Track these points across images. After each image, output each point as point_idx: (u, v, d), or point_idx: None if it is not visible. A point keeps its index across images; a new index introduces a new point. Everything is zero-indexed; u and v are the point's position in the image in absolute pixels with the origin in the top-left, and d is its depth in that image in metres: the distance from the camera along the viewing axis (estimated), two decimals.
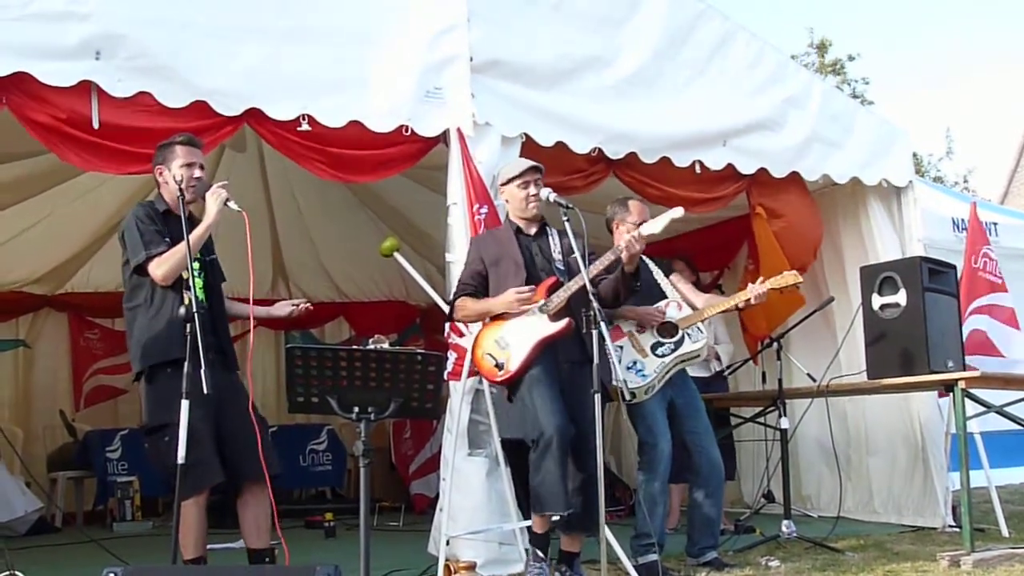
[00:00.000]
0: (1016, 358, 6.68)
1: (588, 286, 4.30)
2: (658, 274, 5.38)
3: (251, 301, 4.24)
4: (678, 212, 4.66)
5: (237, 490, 4.29)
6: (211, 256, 4.42)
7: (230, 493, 4.35)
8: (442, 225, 5.44)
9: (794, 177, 6.54)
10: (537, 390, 4.51)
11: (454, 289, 4.90)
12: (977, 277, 6.73)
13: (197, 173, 4.24)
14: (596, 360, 4.19)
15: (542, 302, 4.58)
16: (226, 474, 4.14)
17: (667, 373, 5.10)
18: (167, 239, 4.18)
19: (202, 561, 4.20)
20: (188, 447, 3.87)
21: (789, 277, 5.21)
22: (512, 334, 4.60)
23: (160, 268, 4.10)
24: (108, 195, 7.77)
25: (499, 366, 4.59)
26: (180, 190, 4.14)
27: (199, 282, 4.18)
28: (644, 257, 5.33)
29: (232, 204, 4.16)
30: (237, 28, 4.88)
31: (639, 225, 5.22)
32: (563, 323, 4.54)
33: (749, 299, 5.18)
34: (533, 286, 4.59)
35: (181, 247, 4.05)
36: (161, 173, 4.28)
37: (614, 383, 4.35)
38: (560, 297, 4.57)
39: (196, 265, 4.15)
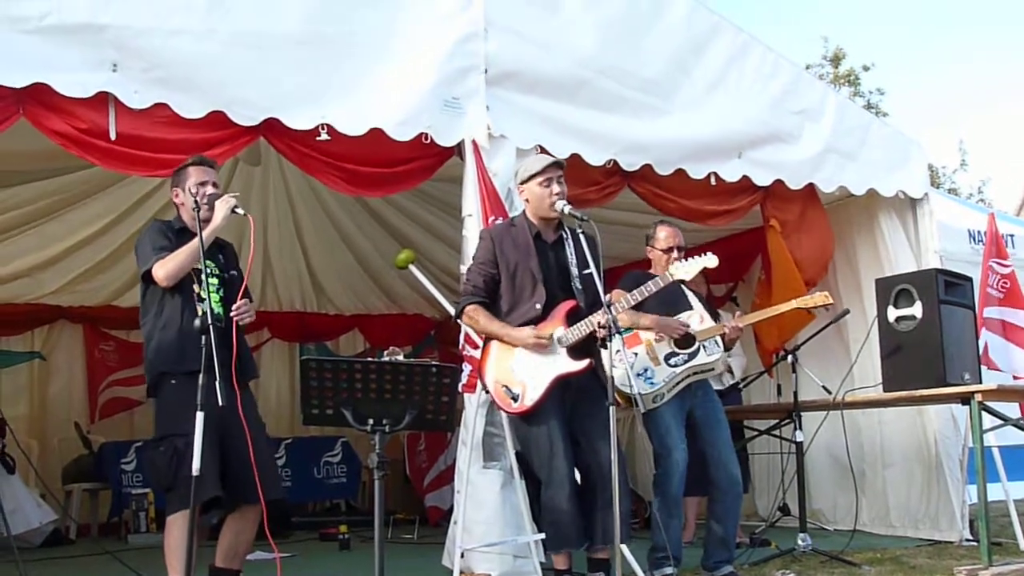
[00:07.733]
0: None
1: (603, 299, 4.22)
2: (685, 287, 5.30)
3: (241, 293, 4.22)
4: (712, 261, 4.80)
5: (232, 508, 4.26)
6: (231, 272, 4.45)
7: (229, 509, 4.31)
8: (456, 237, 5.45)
9: (808, 191, 6.54)
10: (548, 426, 4.44)
11: (463, 286, 4.80)
12: (984, 290, 6.69)
13: (210, 190, 4.31)
14: (609, 372, 4.12)
15: (560, 330, 4.49)
16: (225, 492, 4.09)
17: (677, 383, 5.07)
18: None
19: None
20: (180, 462, 3.92)
21: (819, 298, 5.28)
22: (527, 366, 4.50)
23: (163, 268, 4.14)
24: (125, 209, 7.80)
25: (515, 398, 4.50)
26: (196, 203, 4.20)
27: (216, 296, 4.23)
28: None
29: (239, 209, 4.22)
30: (256, 37, 4.89)
31: (667, 251, 5.24)
32: (584, 363, 4.44)
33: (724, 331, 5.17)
34: (551, 334, 4.46)
35: (184, 248, 4.14)
36: (177, 195, 4.39)
37: (630, 392, 4.33)
38: (580, 332, 4.43)
39: (215, 281, 4.25)
